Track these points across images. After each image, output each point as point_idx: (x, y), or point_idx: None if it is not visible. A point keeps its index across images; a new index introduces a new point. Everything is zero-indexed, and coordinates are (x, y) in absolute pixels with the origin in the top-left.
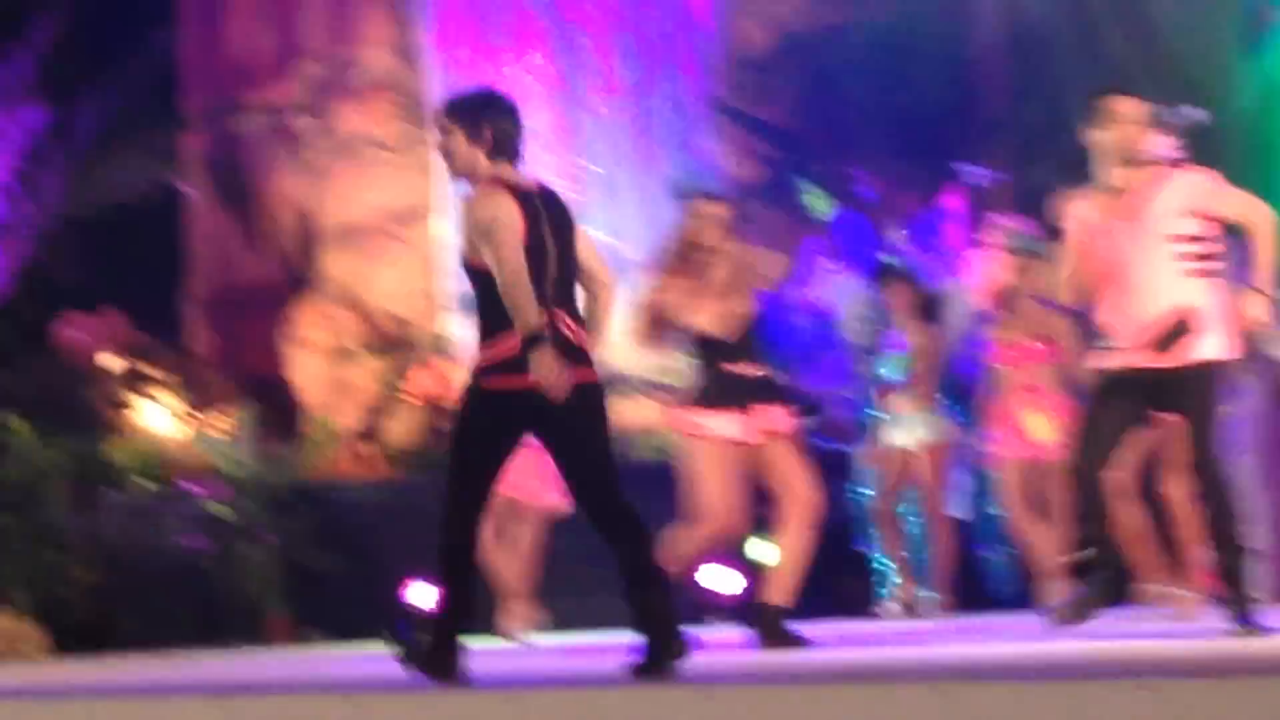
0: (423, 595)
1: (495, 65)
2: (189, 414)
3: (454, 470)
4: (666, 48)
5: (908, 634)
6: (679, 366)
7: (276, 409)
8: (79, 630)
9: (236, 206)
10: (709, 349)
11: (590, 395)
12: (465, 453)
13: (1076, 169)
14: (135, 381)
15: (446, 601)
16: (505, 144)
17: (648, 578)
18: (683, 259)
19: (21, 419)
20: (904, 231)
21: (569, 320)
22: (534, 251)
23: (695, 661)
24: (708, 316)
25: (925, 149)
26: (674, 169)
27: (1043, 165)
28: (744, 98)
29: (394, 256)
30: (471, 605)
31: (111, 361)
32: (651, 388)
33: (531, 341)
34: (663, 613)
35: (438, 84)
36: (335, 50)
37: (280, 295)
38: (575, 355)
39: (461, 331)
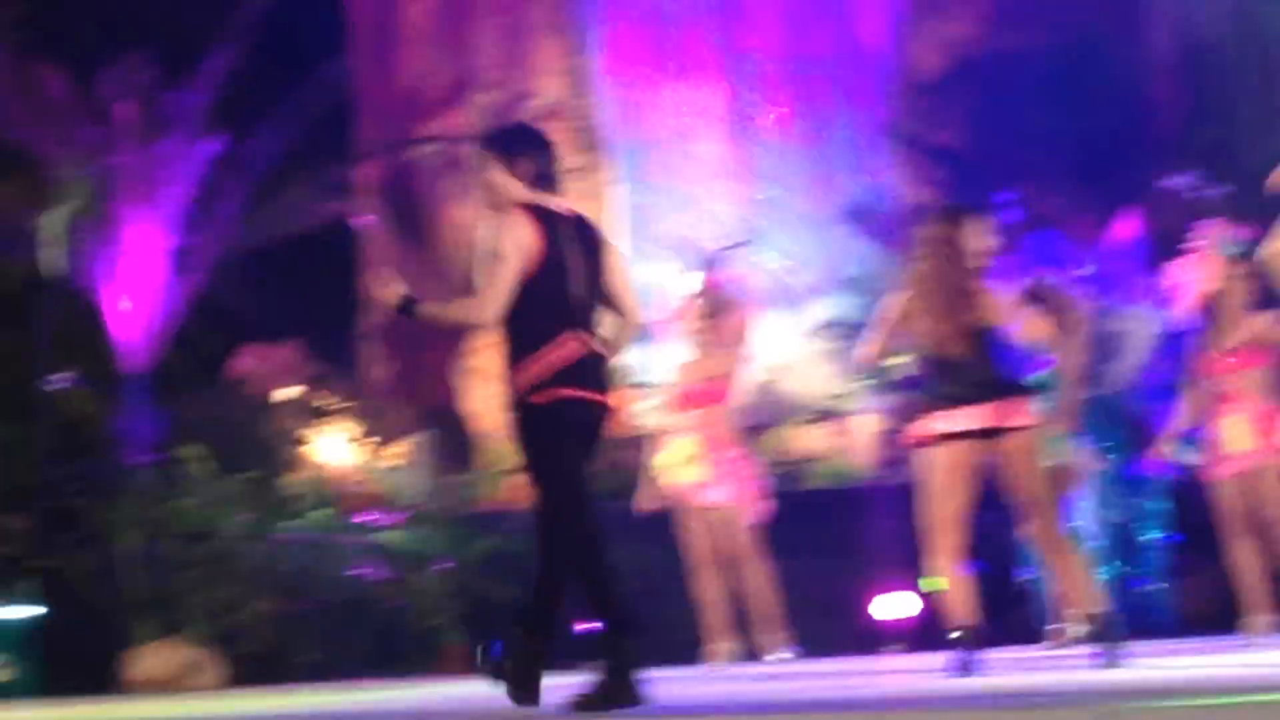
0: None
1: (667, 93)
2: (365, 443)
3: (545, 493)
4: (840, 73)
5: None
6: (855, 391)
7: (452, 438)
8: (255, 660)
9: (411, 236)
10: (941, 360)
11: (596, 414)
12: (547, 471)
13: (1252, 186)
14: (312, 412)
15: (538, 625)
16: (540, 175)
17: (619, 620)
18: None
19: (199, 449)
20: (1081, 256)
21: (592, 340)
22: (554, 272)
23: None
24: (941, 326)
25: (1100, 171)
26: (848, 195)
27: (1219, 184)
28: (918, 122)
29: None
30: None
31: (288, 392)
32: (828, 415)
33: (408, 308)
34: (623, 659)
35: (610, 112)
36: (508, 79)
37: (455, 325)
38: (591, 375)
39: (638, 359)
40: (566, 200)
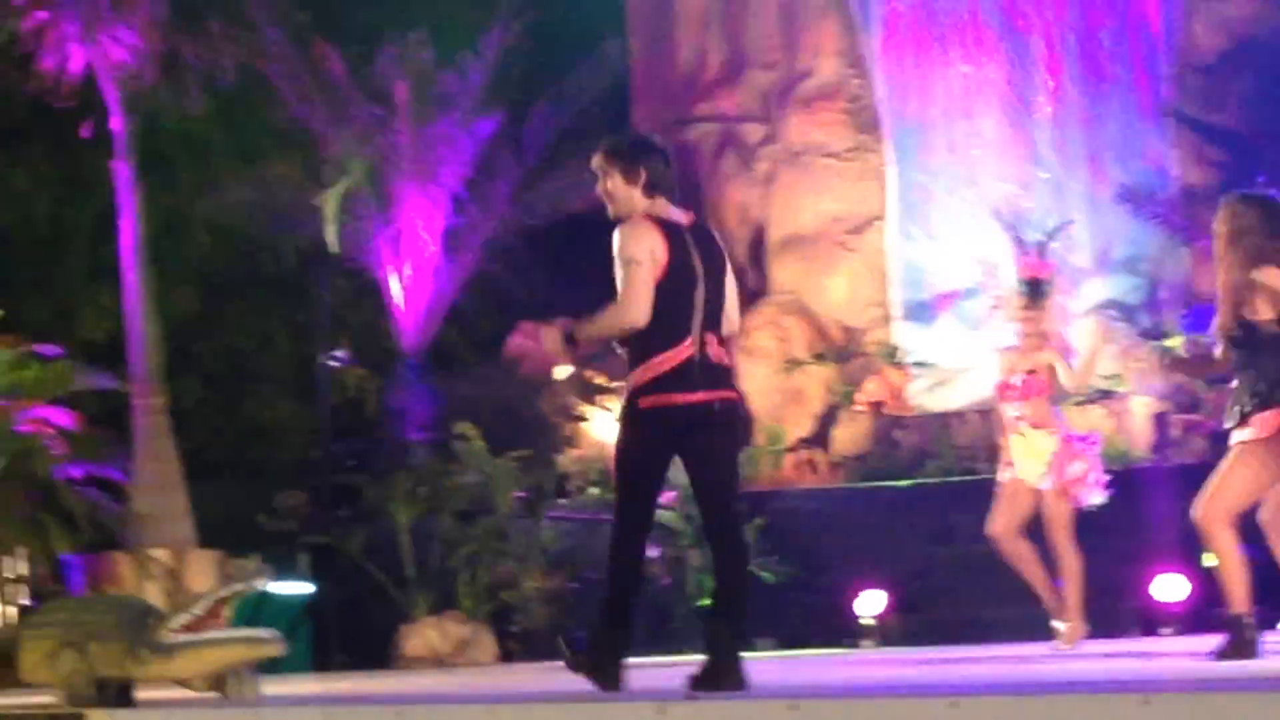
0: (869, 604)
1: (944, 72)
2: None
3: (621, 490)
4: (1116, 54)
5: None
6: (1131, 372)
7: None
8: (526, 636)
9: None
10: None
11: (728, 413)
12: (630, 472)
13: None
14: (586, 390)
15: (613, 616)
16: (659, 183)
17: (731, 607)
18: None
19: (474, 427)
20: None
21: (716, 342)
22: (682, 279)
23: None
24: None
25: None
26: (1124, 175)
27: None
28: (1194, 102)
29: (844, 265)
30: (632, 618)
31: (563, 370)
32: (1104, 396)
33: (570, 339)
34: (730, 643)
35: (886, 92)
36: (784, 59)
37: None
38: (719, 375)
39: (911, 340)
40: (670, 209)
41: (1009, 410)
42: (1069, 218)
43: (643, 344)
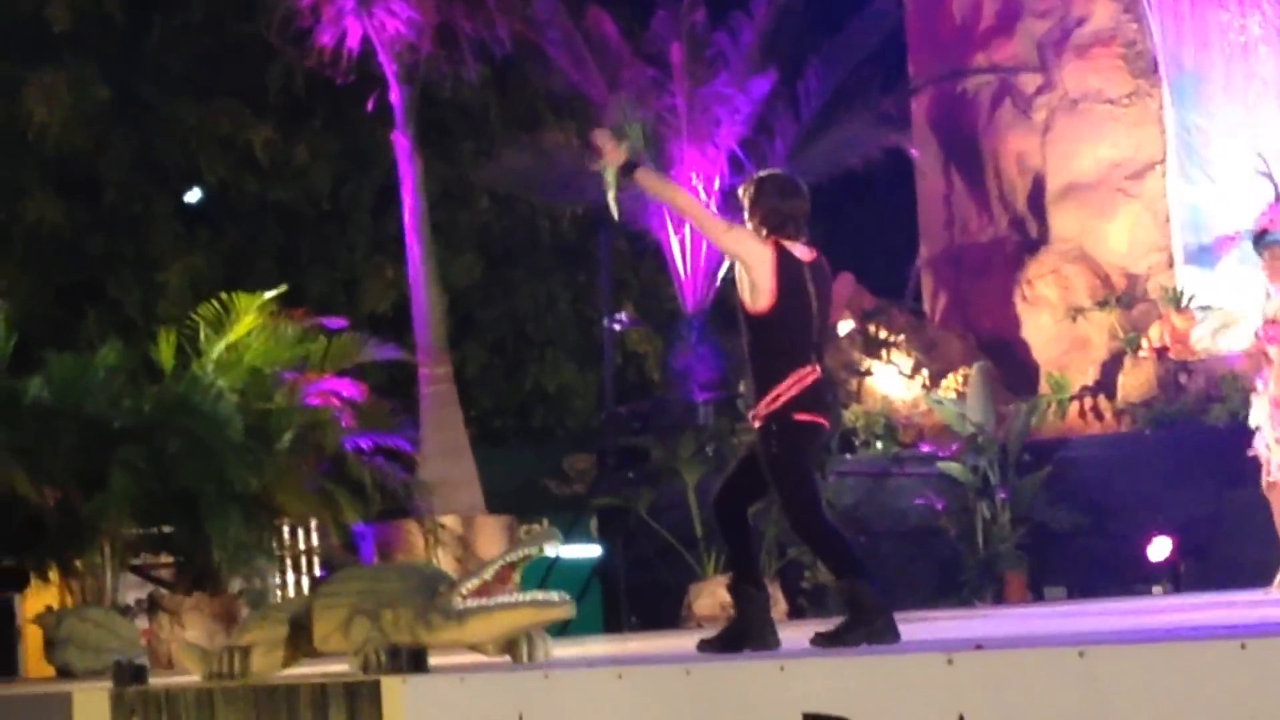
0: (1159, 550)
1: (1219, 14)
2: (923, 375)
3: (803, 497)
4: None
5: None
6: None
7: (1009, 367)
8: (817, 593)
9: (965, 167)
10: None
11: (824, 433)
12: (794, 478)
13: None
14: (869, 344)
15: (857, 565)
16: (786, 220)
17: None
18: None
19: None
20: None
21: (820, 370)
22: (803, 309)
23: None
24: None
25: None
26: None
27: None
28: None
29: (1125, 211)
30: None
31: (844, 325)
32: None
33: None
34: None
35: (1164, 36)
36: (1060, 7)
37: (1010, 254)
38: (821, 398)
39: (1194, 283)
40: (797, 245)
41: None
42: None
43: (768, 369)
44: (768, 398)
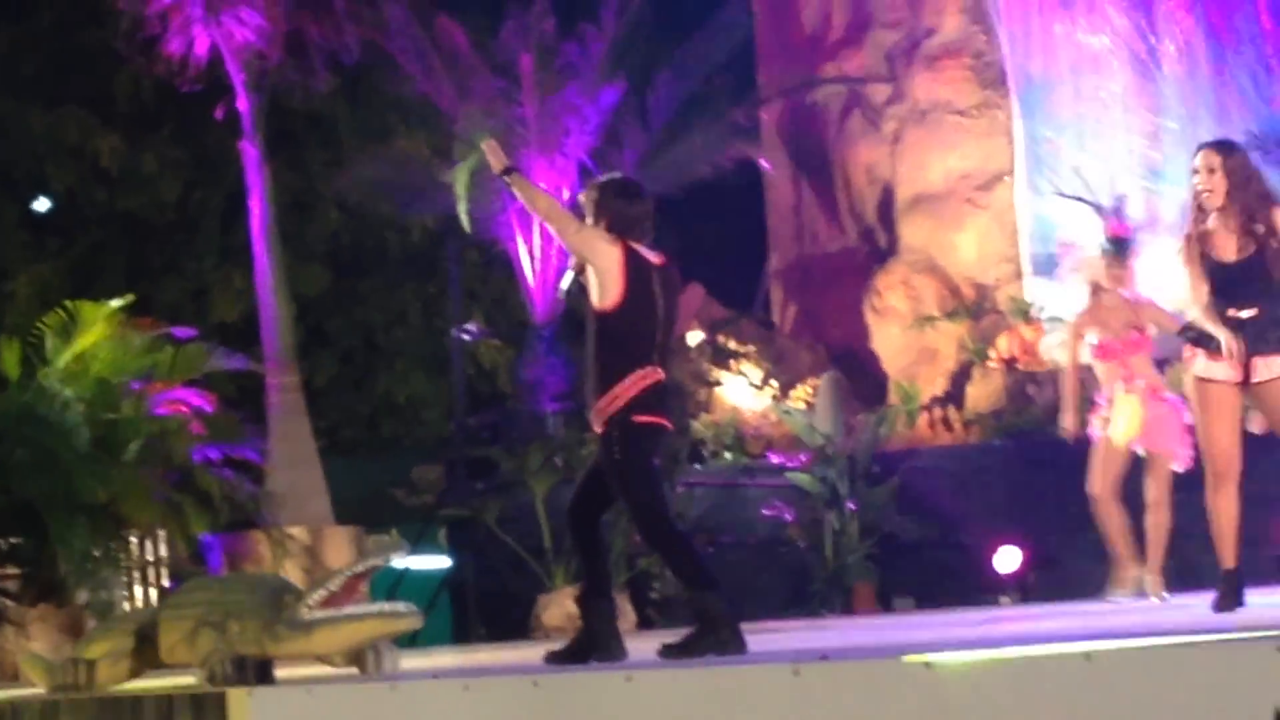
0: (1007, 560)
1: (1068, 25)
2: (772, 386)
3: (647, 501)
4: (1241, 2)
5: None
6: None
7: (858, 377)
8: (666, 604)
9: (815, 178)
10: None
11: (666, 435)
12: (639, 482)
13: None
14: (718, 355)
15: (706, 578)
16: (632, 223)
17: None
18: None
19: None
20: None
21: (662, 373)
22: (649, 311)
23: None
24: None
25: None
26: (1252, 123)
27: None
28: None
29: (973, 222)
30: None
31: (694, 336)
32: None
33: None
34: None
35: (1010, 48)
36: (909, 18)
37: (860, 264)
38: (662, 399)
39: (1042, 295)
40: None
41: (1108, 368)
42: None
43: (607, 368)
44: (607, 396)
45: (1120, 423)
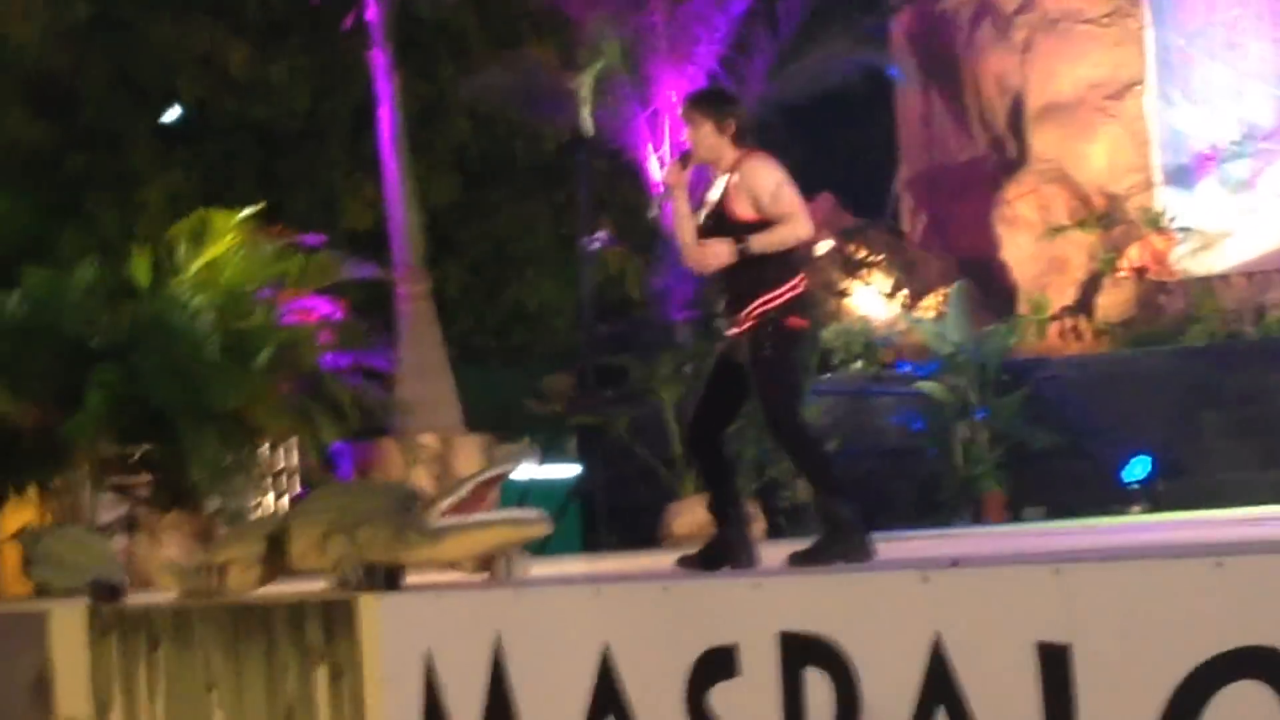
0: (1137, 470)
1: None
2: (902, 295)
3: (788, 402)
4: None
5: None
6: None
7: (988, 287)
8: (795, 511)
9: (945, 87)
10: None
11: (807, 342)
12: (784, 382)
13: None
14: (848, 264)
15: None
16: (743, 131)
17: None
18: None
19: None
20: None
21: (808, 282)
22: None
23: None
24: None
25: None
26: None
27: None
28: None
29: (1104, 132)
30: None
31: (824, 245)
32: None
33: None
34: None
35: None
36: None
37: (989, 174)
38: (809, 306)
39: (1173, 204)
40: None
41: None
42: None
43: (774, 266)
44: (760, 299)
45: None
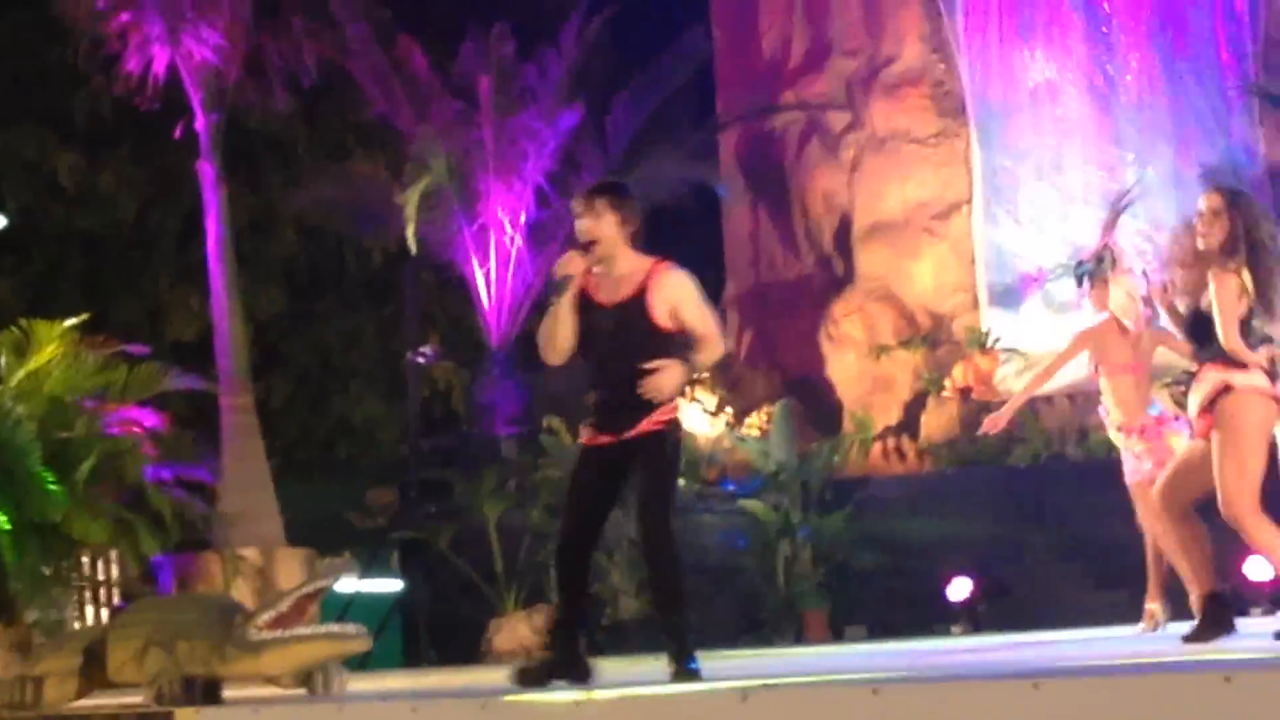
0: (961, 590)
1: (1027, 56)
2: (727, 413)
3: (667, 510)
4: (1199, 34)
5: None
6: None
7: (813, 405)
8: (616, 629)
9: (773, 205)
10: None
11: None
12: (673, 490)
13: None
14: None
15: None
16: (638, 232)
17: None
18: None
19: (562, 421)
20: None
21: None
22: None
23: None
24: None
25: None
26: (1210, 155)
27: None
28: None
29: (930, 251)
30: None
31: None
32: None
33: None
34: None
35: (971, 77)
36: (869, 46)
37: (817, 292)
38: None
39: (998, 325)
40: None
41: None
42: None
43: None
44: (668, 406)
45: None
